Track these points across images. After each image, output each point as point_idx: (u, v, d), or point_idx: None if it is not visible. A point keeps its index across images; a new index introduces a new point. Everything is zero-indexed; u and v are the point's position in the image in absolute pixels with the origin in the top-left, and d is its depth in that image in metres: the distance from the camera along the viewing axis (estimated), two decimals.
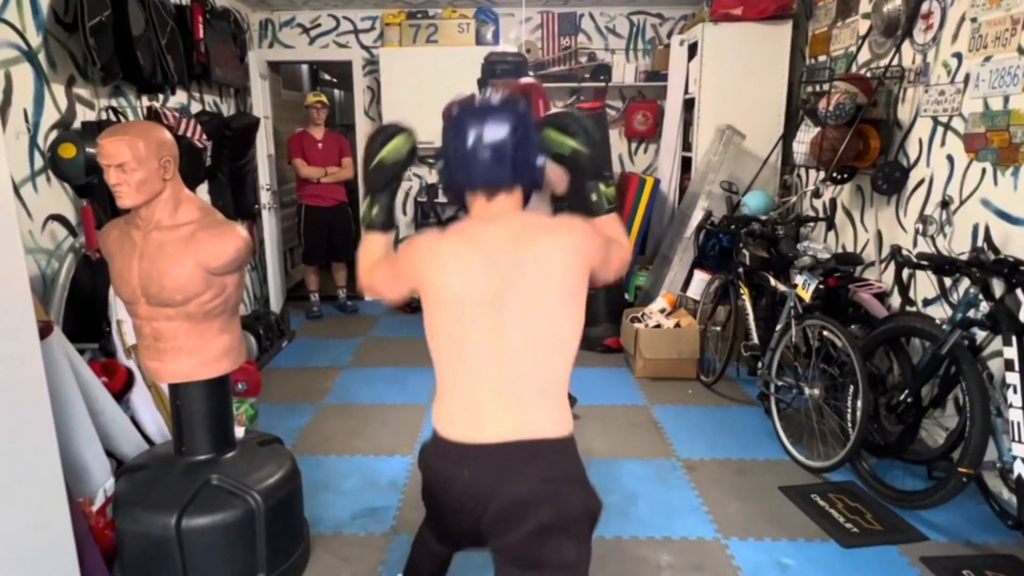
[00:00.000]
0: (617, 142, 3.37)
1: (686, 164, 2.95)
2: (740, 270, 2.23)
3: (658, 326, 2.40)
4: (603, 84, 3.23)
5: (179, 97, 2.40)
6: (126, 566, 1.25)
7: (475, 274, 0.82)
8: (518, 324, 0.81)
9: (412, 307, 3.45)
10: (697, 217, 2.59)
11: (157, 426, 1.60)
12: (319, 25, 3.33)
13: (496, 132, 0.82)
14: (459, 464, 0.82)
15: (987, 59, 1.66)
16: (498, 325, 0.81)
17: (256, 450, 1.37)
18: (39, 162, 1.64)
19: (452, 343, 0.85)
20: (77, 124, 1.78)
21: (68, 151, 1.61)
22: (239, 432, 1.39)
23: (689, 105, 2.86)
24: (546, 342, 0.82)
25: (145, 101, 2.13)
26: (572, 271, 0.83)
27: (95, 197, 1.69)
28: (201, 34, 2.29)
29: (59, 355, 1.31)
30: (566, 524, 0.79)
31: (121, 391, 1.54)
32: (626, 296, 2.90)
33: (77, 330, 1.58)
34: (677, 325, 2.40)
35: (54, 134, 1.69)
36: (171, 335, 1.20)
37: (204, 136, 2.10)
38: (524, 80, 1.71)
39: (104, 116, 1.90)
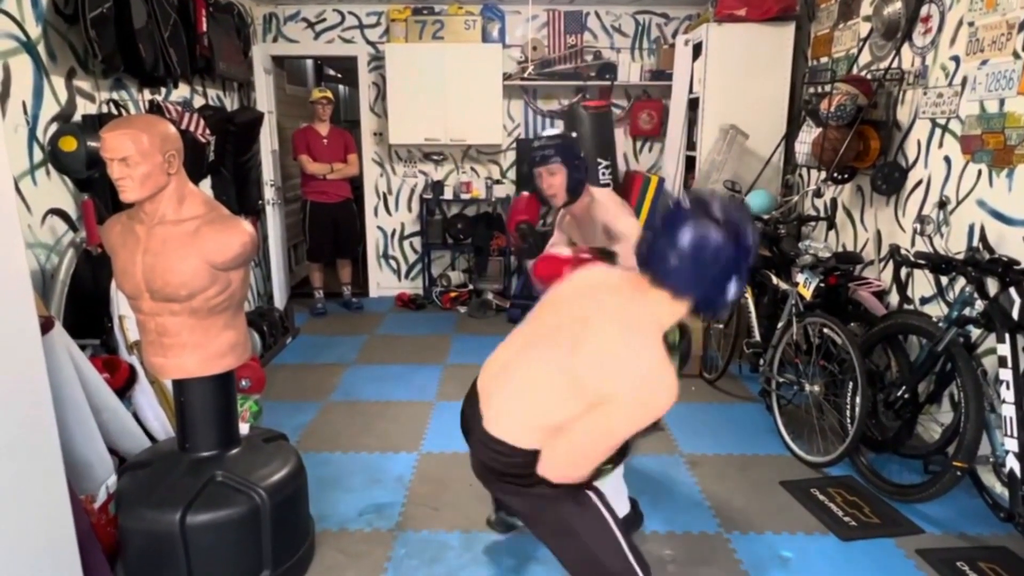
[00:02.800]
0: (622, 141, 3.38)
1: (690, 163, 2.96)
2: None
3: None
4: (608, 83, 3.24)
5: (182, 91, 2.38)
6: (129, 564, 1.24)
7: (546, 304, 0.97)
8: (528, 361, 0.91)
9: (417, 304, 3.45)
10: None
11: (160, 422, 1.59)
12: (324, 20, 3.31)
13: (713, 253, 0.83)
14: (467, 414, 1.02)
15: (984, 63, 1.69)
16: (521, 349, 0.94)
17: (261, 447, 1.36)
18: (38, 155, 1.62)
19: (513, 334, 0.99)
20: (77, 117, 1.76)
21: (69, 144, 1.59)
22: (244, 429, 1.39)
23: (693, 104, 2.87)
24: (533, 397, 0.91)
25: (147, 95, 2.11)
26: (589, 374, 0.85)
27: (96, 191, 1.68)
28: (204, 27, 2.27)
29: (60, 351, 1.30)
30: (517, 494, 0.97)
31: (123, 387, 1.53)
32: None
33: (78, 326, 1.57)
34: None
35: (54, 127, 1.67)
36: (175, 331, 1.19)
37: (207, 131, 2.08)
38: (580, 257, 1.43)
39: (105, 109, 1.87)
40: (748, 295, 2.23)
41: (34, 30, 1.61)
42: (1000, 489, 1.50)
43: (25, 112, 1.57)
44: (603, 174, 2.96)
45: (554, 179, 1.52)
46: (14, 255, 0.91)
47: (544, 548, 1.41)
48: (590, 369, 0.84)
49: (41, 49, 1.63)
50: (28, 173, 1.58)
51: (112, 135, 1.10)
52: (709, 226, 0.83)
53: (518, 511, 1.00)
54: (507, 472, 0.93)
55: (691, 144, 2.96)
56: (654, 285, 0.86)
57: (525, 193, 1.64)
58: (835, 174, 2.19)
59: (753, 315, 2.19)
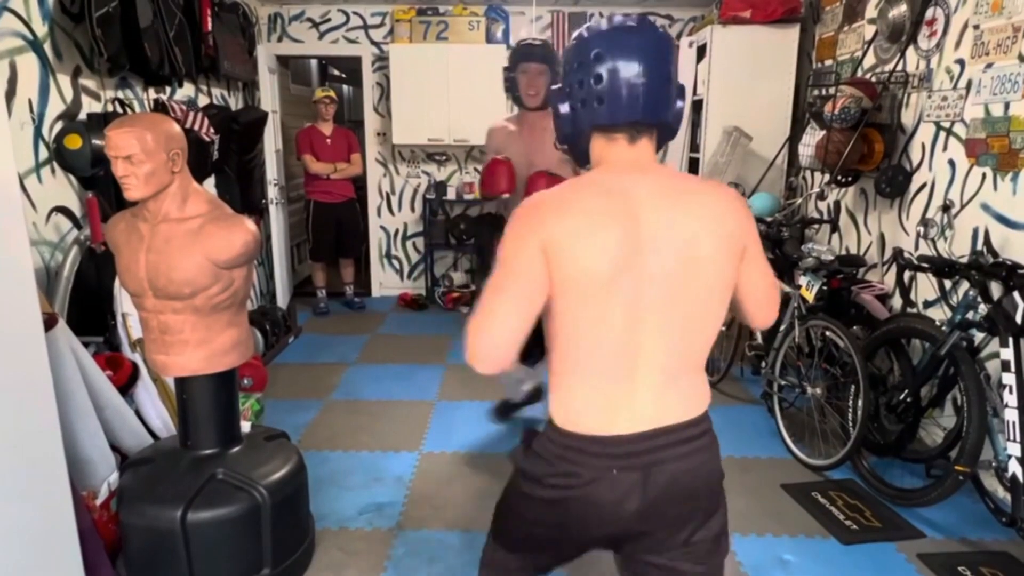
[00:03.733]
0: None
1: (693, 165, 2.95)
2: None
3: None
4: None
5: (186, 90, 2.39)
6: (130, 560, 1.24)
7: (617, 240, 0.65)
8: (665, 302, 0.66)
9: (419, 304, 3.45)
10: None
11: (162, 420, 1.60)
12: (328, 20, 3.32)
13: (655, 54, 0.66)
14: (602, 459, 0.68)
15: (989, 66, 1.68)
16: (639, 296, 0.66)
17: (262, 445, 1.37)
18: (43, 153, 1.63)
19: (586, 325, 0.67)
20: (83, 115, 1.77)
21: (74, 142, 1.60)
22: (245, 427, 1.39)
23: (697, 106, 2.87)
24: (693, 321, 0.68)
25: (152, 93, 2.12)
26: (734, 254, 0.68)
27: (101, 189, 1.69)
28: (209, 27, 2.28)
29: (64, 348, 1.31)
30: (716, 502, 0.74)
31: (126, 385, 1.54)
32: None
33: (82, 323, 1.57)
34: None
35: (59, 125, 1.67)
36: (178, 328, 1.20)
37: (211, 130, 2.09)
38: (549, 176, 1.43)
39: (110, 108, 1.88)
40: None
41: (40, 29, 1.62)
42: (1002, 494, 1.49)
43: (31, 110, 1.58)
44: None
45: (541, 79, 1.53)
46: (19, 252, 0.91)
47: None
48: (732, 245, 0.68)
49: (47, 48, 1.64)
50: (33, 171, 1.59)
51: (117, 133, 1.10)
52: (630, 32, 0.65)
53: (707, 550, 0.72)
54: (713, 464, 0.72)
55: (695, 146, 2.95)
56: (642, 140, 0.69)
57: (498, 159, 1.55)
58: (839, 177, 2.18)
59: None
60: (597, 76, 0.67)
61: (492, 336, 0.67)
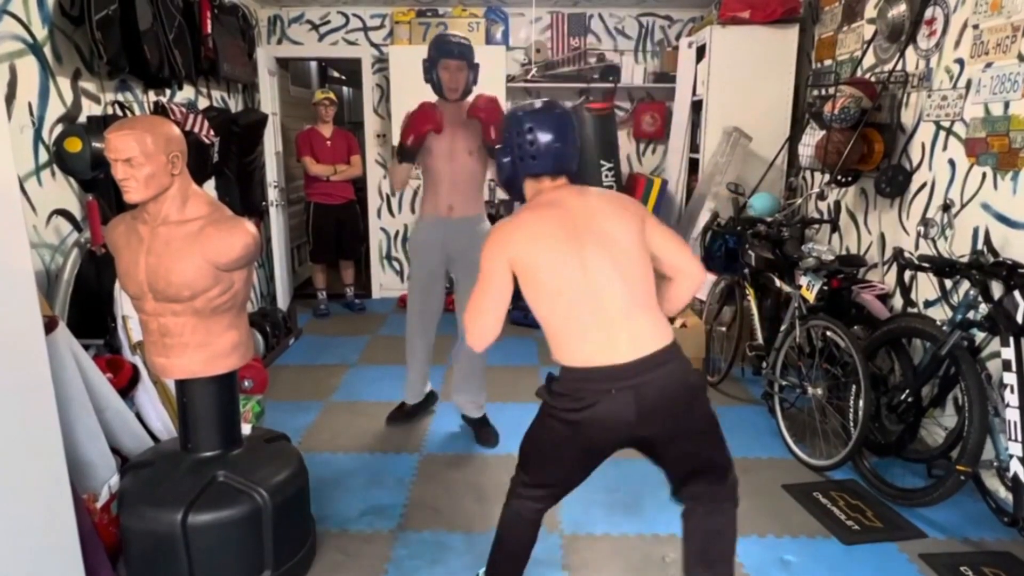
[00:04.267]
0: (625, 143, 3.38)
1: (693, 165, 2.96)
2: (746, 271, 2.24)
3: None
4: (612, 85, 3.24)
5: (186, 92, 2.39)
6: (131, 563, 1.24)
7: (561, 240, 0.99)
8: (601, 259, 0.99)
9: None
10: (704, 218, 2.61)
11: (162, 423, 1.60)
12: (328, 22, 3.33)
13: (566, 127, 1.07)
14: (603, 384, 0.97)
15: (988, 65, 1.68)
16: (584, 263, 0.99)
17: (263, 447, 1.37)
18: (43, 156, 1.63)
19: (559, 299, 0.99)
20: (83, 118, 1.77)
21: (74, 145, 1.60)
22: (246, 429, 1.39)
23: (697, 107, 2.88)
24: (630, 268, 1.01)
25: (152, 96, 2.12)
26: (635, 224, 1.03)
27: (101, 192, 1.69)
28: (209, 29, 2.28)
29: (64, 351, 1.31)
30: (698, 398, 1.04)
31: (126, 387, 1.54)
32: None
33: (82, 326, 1.57)
34: (683, 325, 2.41)
35: (59, 128, 1.68)
36: (178, 331, 1.20)
37: (211, 132, 2.09)
38: (486, 97, 1.65)
39: (110, 111, 1.89)
40: (751, 297, 2.22)
41: (40, 32, 1.62)
42: (1004, 494, 1.49)
43: (31, 113, 1.58)
44: (606, 176, 2.96)
45: (461, 75, 1.69)
46: (19, 255, 0.92)
47: (545, 549, 1.42)
48: (635, 221, 1.05)
49: (47, 51, 1.64)
50: (33, 174, 1.59)
51: (116, 136, 1.10)
52: (557, 113, 1.07)
53: (693, 438, 1.05)
54: (686, 375, 1.01)
55: (695, 146, 2.96)
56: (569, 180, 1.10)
57: (426, 102, 1.69)
58: (839, 177, 2.18)
59: (756, 318, 2.18)
60: (530, 142, 1.06)
61: (482, 323, 1.04)
